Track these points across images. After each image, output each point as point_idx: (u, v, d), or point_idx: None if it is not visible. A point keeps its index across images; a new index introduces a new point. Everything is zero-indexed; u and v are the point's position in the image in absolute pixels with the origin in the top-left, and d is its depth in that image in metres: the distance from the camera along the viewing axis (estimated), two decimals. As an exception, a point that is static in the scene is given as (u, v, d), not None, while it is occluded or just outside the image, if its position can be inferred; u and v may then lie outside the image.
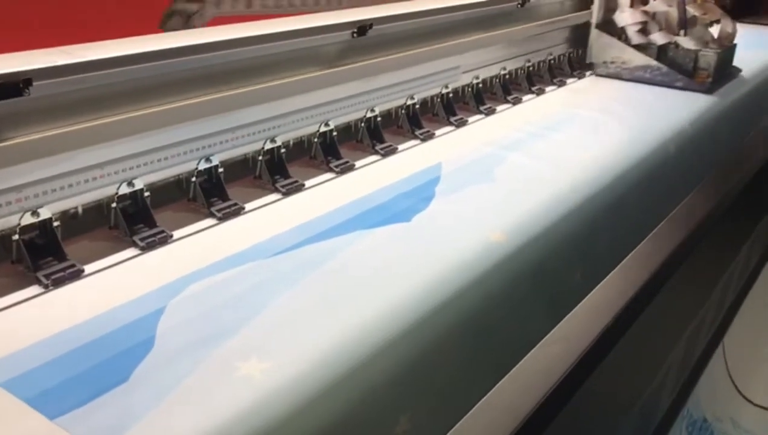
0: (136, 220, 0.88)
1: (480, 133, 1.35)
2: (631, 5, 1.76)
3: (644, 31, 1.74)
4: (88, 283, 0.78)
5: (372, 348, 0.70)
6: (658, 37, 1.71)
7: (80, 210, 0.85)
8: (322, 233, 0.90)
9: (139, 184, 0.89)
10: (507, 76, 1.59)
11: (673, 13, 1.72)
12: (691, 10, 1.73)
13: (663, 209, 1.40)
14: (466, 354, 0.83)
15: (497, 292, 0.89)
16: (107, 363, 0.64)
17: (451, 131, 1.35)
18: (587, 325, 1.08)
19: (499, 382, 0.86)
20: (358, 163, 1.15)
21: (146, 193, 0.90)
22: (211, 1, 1.36)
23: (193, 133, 0.96)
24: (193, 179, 0.96)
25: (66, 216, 0.84)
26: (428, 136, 1.30)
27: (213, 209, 0.95)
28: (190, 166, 0.97)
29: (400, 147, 1.24)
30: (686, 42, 1.69)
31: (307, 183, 1.06)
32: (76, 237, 0.85)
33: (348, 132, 1.22)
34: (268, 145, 1.06)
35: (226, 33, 0.99)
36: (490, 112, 1.47)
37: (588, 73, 1.82)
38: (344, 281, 0.79)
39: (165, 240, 0.87)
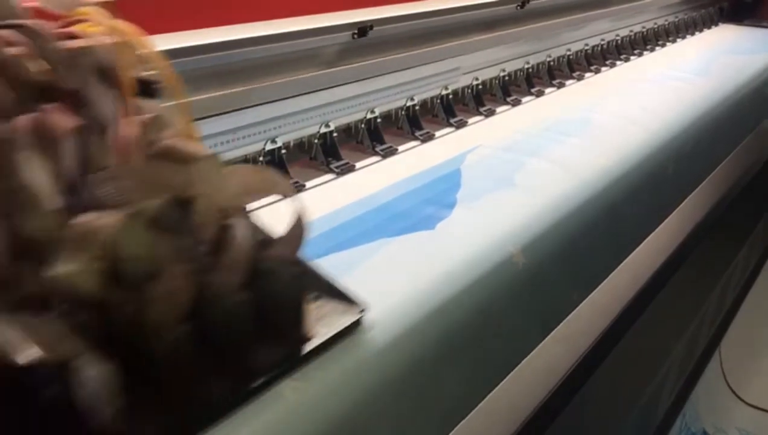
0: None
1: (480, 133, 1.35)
2: None
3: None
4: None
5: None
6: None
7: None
8: (346, 241, 0.88)
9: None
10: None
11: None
12: (114, 185, 0.51)
13: (661, 212, 1.40)
14: (465, 356, 0.84)
15: (496, 294, 0.89)
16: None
17: (450, 132, 1.35)
18: (586, 328, 1.08)
19: (498, 386, 0.87)
20: (358, 165, 1.15)
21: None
22: None
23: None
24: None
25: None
26: (428, 138, 1.30)
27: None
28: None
29: (400, 148, 1.24)
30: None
31: (308, 184, 1.06)
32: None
33: (348, 133, 1.23)
34: (269, 146, 1.06)
35: (225, 34, 1.00)
36: (490, 113, 1.48)
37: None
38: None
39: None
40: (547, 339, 0.97)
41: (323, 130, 1.14)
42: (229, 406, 0.54)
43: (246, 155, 1.05)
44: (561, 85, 1.73)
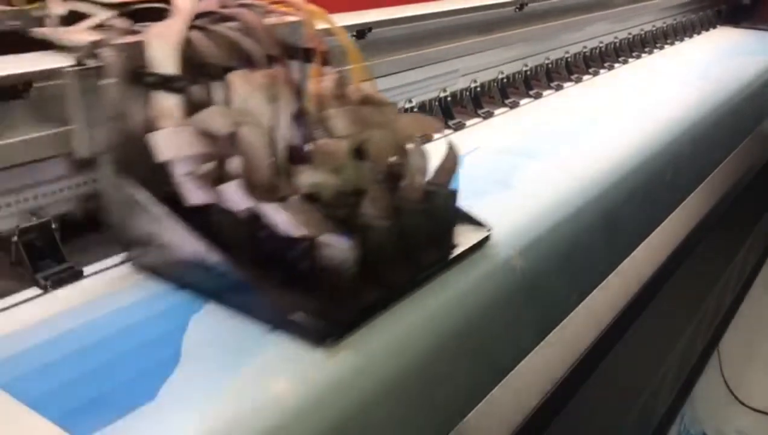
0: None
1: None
2: (193, 111, 0.72)
3: (221, 174, 0.70)
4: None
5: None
6: (233, 195, 0.67)
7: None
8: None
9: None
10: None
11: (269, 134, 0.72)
12: (332, 125, 0.74)
13: (659, 214, 1.41)
14: (463, 358, 0.84)
15: (495, 296, 0.89)
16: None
17: (448, 134, 1.35)
18: (584, 330, 1.08)
19: (494, 388, 0.87)
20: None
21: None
22: None
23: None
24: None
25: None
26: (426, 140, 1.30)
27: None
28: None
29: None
30: (280, 213, 0.66)
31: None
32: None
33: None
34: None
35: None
36: (488, 115, 1.48)
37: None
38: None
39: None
40: (544, 341, 0.97)
41: None
42: (408, 289, 0.75)
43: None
44: (559, 88, 1.74)
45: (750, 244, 2.07)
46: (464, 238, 0.83)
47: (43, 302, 0.74)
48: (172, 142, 0.69)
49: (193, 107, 0.72)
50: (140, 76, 0.72)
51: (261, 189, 0.68)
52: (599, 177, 1.19)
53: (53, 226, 0.80)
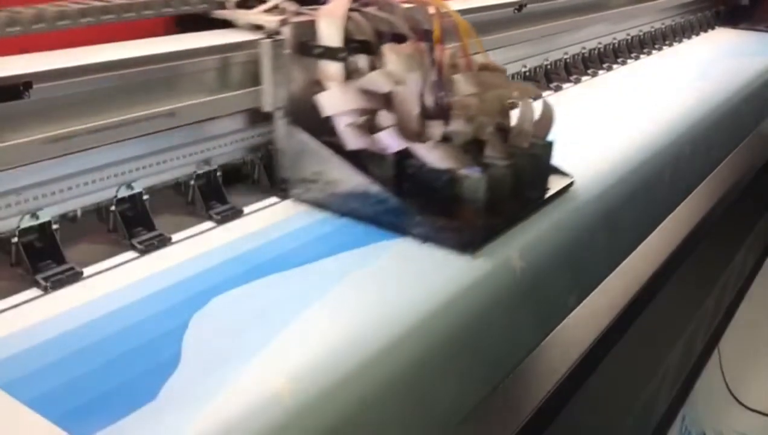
0: (135, 223, 0.88)
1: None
2: (349, 76, 0.95)
3: (372, 125, 0.91)
4: (87, 286, 0.78)
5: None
6: (389, 140, 0.89)
7: (79, 213, 0.85)
8: (344, 244, 0.88)
9: (138, 187, 0.90)
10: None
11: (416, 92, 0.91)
12: (460, 86, 0.94)
13: (658, 215, 1.41)
14: (463, 359, 0.84)
15: (492, 297, 0.89)
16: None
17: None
18: (583, 331, 1.08)
19: (496, 389, 0.87)
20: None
21: (145, 197, 0.90)
22: None
23: (191, 137, 0.96)
24: (192, 183, 0.97)
25: (65, 219, 0.84)
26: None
27: (212, 212, 0.95)
28: (189, 169, 0.97)
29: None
30: (432, 152, 0.89)
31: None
32: (74, 240, 0.85)
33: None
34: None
35: (224, 38, 1.00)
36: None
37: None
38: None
39: (164, 243, 0.87)
40: (544, 342, 0.97)
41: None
42: (520, 217, 0.95)
43: (243, 158, 1.05)
44: (558, 89, 1.74)
45: (750, 243, 2.07)
46: (554, 183, 1.03)
47: (44, 303, 0.74)
48: (336, 101, 0.92)
49: (349, 73, 0.95)
50: (311, 48, 0.96)
51: (410, 134, 0.90)
52: (598, 179, 1.19)
53: (54, 226, 0.80)
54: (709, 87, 1.83)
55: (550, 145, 1.01)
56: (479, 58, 1.01)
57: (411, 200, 0.90)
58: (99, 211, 0.88)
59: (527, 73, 1.69)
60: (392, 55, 0.93)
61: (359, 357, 0.69)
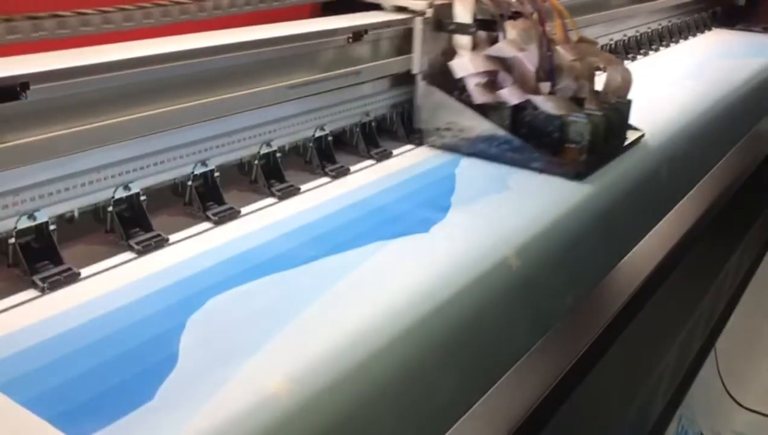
0: (132, 223, 0.89)
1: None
2: (474, 48, 1.25)
3: (493, 84, 1.21)
4: (84, 287, 0.78)
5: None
6: (510, 95, 1.18)
7: (76, 214, 0.85)
8: (340, 245, 0.89)
9: (135, 188, 0.90)
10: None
11: (534, 58, 1.19)
12: (564, 54, 1.21)
13: (655, 215, 1.41)
14: (460, 358, 0.84)
15: (489, 299, 0.89)
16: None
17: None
18: (580, 331, 1.08)
19: (492, 388, 0.87)
20: (353, 168, 1.15)
21: (142, 197, 0.90)
22: None
23: (189, 138, 0.96)
24: (189, 183, 0.97)
25: (62, 220, 0.84)
26: (422, 141, 1.30)
27: (209, 213, 0.95)
28: (186, 170, 0.97)
29: (395, 151, 1.25)
30: (546, 102, 1.17)
31: (303, 187, 1.07)
32: (71, 241, 0.86)
33: (343, 137, 1.23)
34: (264, 150, 1.06)
35: (223, 38, 1.00)
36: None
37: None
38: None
39: (161, 244, 0.87)
40: (540, 342, 0.97)
41: (318, 133, 1.15)
42: (610, 158, 1.24)
43: (241, 158, 1.05)
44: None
45: (746, 243, 2.08)
46: (630, 135, 1.32)
47: (41, 304, 0.74)
48: (466, 65, 1.22)
49: (475, 45, 1.26)
50: (447, 25, 1.27)
51: (527, 91, 1.18)
52: (594, 178, 1.19)
53: (51, 227, 0.80)
54: (705, 87, 1.83)
55: (629, 102, 1.29)
56: (573, 35, 1.27)
57: (531, 142, 1.18)
58: (96, 211, 0.88)
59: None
60: (512, 30, 1.20)
61: (359, 356, 0.69)
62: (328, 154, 1.15)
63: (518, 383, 0.91)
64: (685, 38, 2.49)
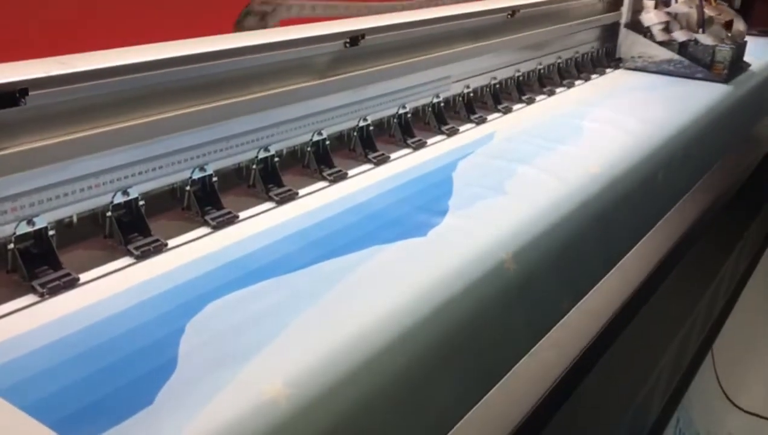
0: (130, 228, 0.89)
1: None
2: (656, 7, 2.12)
3: (667, 29, 2.07)
4: (83, 292, 0.78)
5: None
6: (680, 35, 2.04)
7: (75, 219, 0.86)
8: (338, 249, 0.90)
9: (133, 193, 0.90)
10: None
11: (693, 14, 2.05)
12: (708, 12, 2.08)
13: (653, 217, 1.41)
14: (458, 362, 0.84)
15: (488, 300, 0.89)
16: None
17: (441, 140, 1.36)
18: (577, 334, 1.09)
19: (490, 391, 0.87)
20: (350, 172, 1.16)
21: (141, 202, 0.90)
22: (284, 4, 1.42)
23: (187, 143, 0.97)
24: (188, 188, 0.97)
25: (61, 225, 0.84)
26: (420, 145, 1.31)
27: (207, 218, 0.96)
28: (185, 175, 0.97)
29: (392, 156, 1.25)
30: (704, 39, 2.03)
31: (301, 191, 1.07)
32: (70, 246, 0.86)
33: (341, 141, 1.23)
34: (262, 154, 1.07)
35: (219, 43, 1.00)
36: (481, 121, 1.49)
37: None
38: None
39: (160, 249, 0.87)
40: (538, 345, 0.97)
41: (316, 138, 1.15)
42: (738, 74, 2.07)
43: (239, 163, 1.05)
44: (551, 93, 1.75)
45: (742, 246, 2.09)
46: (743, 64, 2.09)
47: (40, 309, 0.75)
48: (652, 17, 2.08)
49: (656, 4, 2.12)
50: None
51: (691, 31, 2.03)
52: (591, 182, 1.20)
53: (50, 232, 0.81)
54: (702, 89, 1.84)
55: (745, 43, 2.08)
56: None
57: (696, 63, 1.96)
58: (95, 216, 0.89)
59: (521, 78, 1.70)
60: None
61: (357, 360, 0.70)
62: (325, 158, 1.16)
63: (516, 386, 0.92)
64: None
